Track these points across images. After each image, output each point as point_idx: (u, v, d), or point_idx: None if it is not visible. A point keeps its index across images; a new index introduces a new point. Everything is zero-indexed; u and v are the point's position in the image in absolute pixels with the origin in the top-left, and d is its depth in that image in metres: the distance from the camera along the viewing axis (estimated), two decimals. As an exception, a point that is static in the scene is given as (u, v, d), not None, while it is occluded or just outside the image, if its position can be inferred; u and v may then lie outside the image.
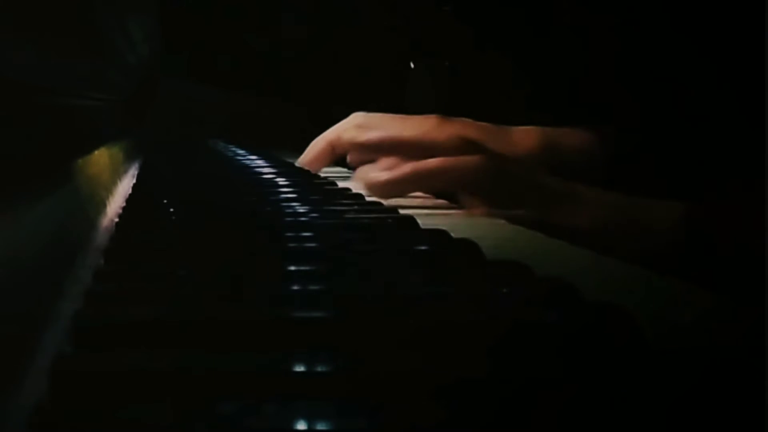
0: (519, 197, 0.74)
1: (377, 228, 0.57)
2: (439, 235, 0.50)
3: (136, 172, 0.94)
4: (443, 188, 0.79)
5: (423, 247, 0.47)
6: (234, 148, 1.41)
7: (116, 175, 0.77)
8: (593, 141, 0.85)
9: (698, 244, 0.71)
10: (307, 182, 0.86)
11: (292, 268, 0.41)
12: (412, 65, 1.32)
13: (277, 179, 0.87)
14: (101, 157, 0.71)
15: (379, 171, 0.80)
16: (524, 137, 0.84)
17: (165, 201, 0.64)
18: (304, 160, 0.96)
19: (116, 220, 0.57)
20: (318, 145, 0.93)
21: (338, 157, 0.92)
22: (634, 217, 0.74)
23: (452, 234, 0.49)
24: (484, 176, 0.73)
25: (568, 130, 0.86)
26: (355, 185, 0.81)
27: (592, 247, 0.56)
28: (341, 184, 0.82)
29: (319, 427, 0.23)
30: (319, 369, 0.27)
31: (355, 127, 0.87)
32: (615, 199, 0.75)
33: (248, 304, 0.35)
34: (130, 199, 0.67)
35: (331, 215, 0.62)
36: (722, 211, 0.72)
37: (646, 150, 0.84)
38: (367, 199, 0.72)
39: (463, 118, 0.85)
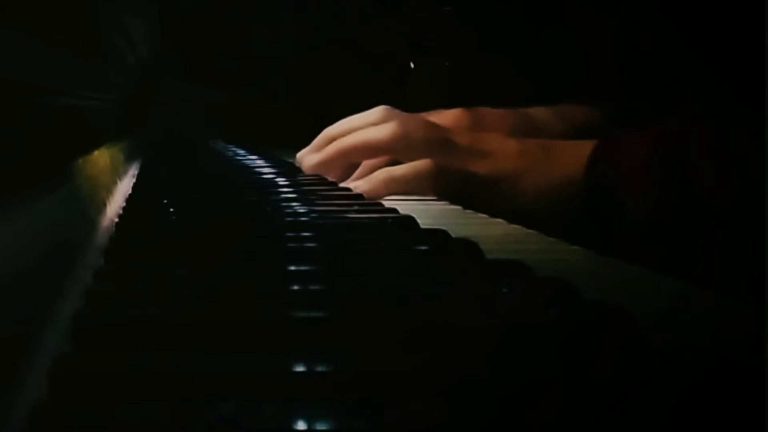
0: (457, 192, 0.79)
1: (377, 228, 0.57)
2: (439, 235, 0.50)
3: (136, 172, 0.94)
4: (370, 158, 0.84)
5: (423, 247, 0.47)
6: (234, 148, 1.41)
7: (116, 175, 0.77)
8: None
9: (595, 177, 0.73)
10: (307, 182, 0.86)
11: (292, 268, 0.41)
12: (412, 65, 1.32)
13: (277, 179, 0.87)
14: (101, 157, 0.71)
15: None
16: (547, 121, 0.86)
17: (165, 201, 0.64)
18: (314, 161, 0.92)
19: (116, 220, 0.57)
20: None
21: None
22: (542, 157, 0.77)
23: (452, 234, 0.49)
24: (396, 139, 0.80)
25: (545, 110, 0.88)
26: (355, 185, 0.81)
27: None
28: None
29: (319, 427, 0.23)
30: (318, 369, 0.27)
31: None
32: (526, 143, 0.79)
33: (248, 304, 0.35)
34: (130, 199, 0.67)
35: (330, 215, 0.62)
36: (627, 146, 0.74)
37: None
38: (367, 199, 0.72)
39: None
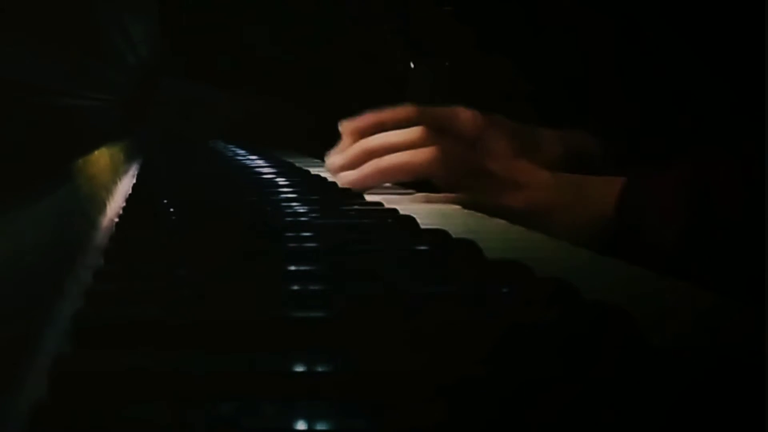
0: (468, 181, 0.81)
1: (377, 228, 0.57)
2: (439, 235, 0.50)
3: (136, 172, 0.94)
4: (406, 180, 0.86)
5: (423, 247, 0.47)
6: (234, 148, 1.41)
7: (116, 175, 0.77)
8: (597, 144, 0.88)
9: (627, 215, 0.74)
10: (306, 182, 0.86)
11: (292, 268, 0.41)
12: (412, 65, 1.32)
13: (277, 179, 0.87)
14: (101, 157, 0.71)
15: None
16: (550, 142, 0.87)
17: (165, 201, 0.64)
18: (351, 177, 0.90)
19: (116, 220, 0.57)
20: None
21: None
22: (571, 187, 0.78)
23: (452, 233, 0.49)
24: (436, 165, 0.81)
25: (582, 136, 0.88)
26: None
27: (544, 229, 0.60)
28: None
29: (319, 427, 0.23)
30: (319, 369, 0.27)
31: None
32: (559, 178, 0.79)
33: (248, 304, 0.35)
34: (130, 199, 0.67)
35: (330, 215, 0.62)
36: (654, 185, 0.75)
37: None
38: (367, 199, 0.72)
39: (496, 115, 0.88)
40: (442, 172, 0.82)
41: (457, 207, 0.76)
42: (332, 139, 0.90)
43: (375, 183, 0.85)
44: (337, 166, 0.88)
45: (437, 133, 0.84)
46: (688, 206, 0.72)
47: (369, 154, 0.85)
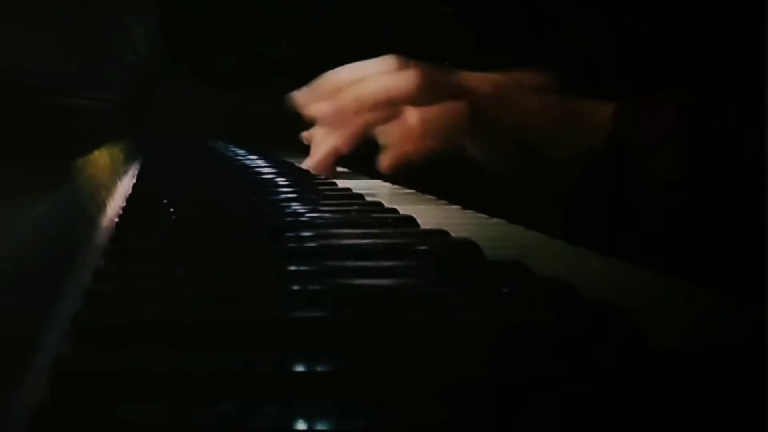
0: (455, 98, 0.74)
1: (377, 227, 0.57)
2: (439, 234, 0.50)
3: (136, 172, 0.94)
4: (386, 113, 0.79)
5: (423, 247, 0.47)
6: (234, 148, 1.41)
7: (116, 175, 0.77)
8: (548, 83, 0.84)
9: (623, 136, 0.71)
10: (306, 182, 0.86)
11: (292, 268, 0.41)
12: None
13: (277, 179, 0.87)
14: (101, 157, 0.71)
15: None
16: (484, 80, 0.83)
17: (165, 201, 0.64)
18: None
19: (116, 220, 0.57)
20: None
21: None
22: (567, 113, 0.74)
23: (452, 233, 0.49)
24: (417, 86, 0.74)
25: (529, 72, 0.84)
26: (355, 184, 0.81)
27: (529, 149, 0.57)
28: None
29: (319, 427, 0.23)
30: (319, 369, 0.27)
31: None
32: (549, 99, 0.76)
33: (248, 304, 0.35)
34: (130, 199, 0.67)
35: (330, 215, 0.62)
36: (651, 107, 0.72)
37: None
38: (367, 199, 0.72)
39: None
40: (427, 94, 0.74)
41: (458, 207, 0.76)
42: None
43: (354, 117, 0.77)
44: (303, 100, 0.81)
45: (410, 60, 0.78)
46: (687, 131, 0.69)
47: (338, 87, 0.78)
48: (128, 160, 0.97)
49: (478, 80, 0.80)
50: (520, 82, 0.82)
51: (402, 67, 0.77)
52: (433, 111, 0.74)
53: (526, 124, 0.75)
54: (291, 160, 1.14)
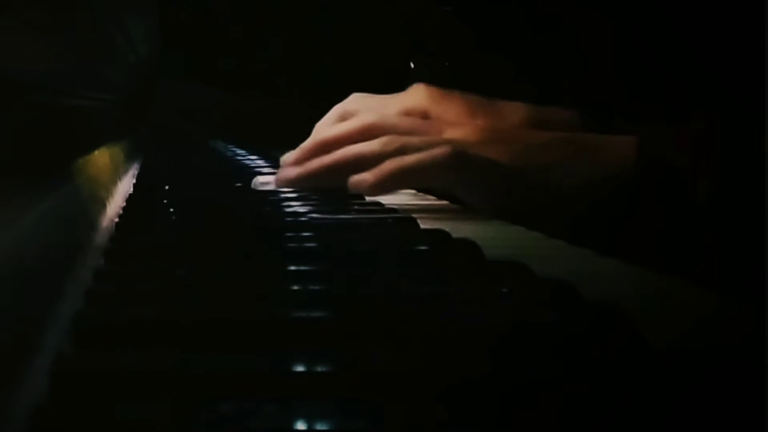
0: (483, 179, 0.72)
1: (377, 228, 0.57)
2: (439, 235, 0.50)
3: (136, 172, 0.94)
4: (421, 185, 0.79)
5: (423, 247, 0.47)
6: (234, 148, 1.41)
7: (116, 175, 0.77)
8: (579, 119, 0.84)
9: (650, 170, 0.71)
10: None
11: (292, 268, 0.41)
12: (412, 65, 1.32)
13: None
14: (101, 157, 0.71)
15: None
16: (512, 112, 0.83)
17: (165, 201, 0.64)
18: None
19: (116, 220, 0.57)
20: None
21: None
22: (578, 147, 0.74)
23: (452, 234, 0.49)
24: (449, 165, 0.71)
25: (557, 108, 0.85)
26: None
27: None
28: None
29: (319, 427, 0.23)
30: (319, 369, 0.27)
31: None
32: (555, 135, 0.75)
33: (248, 304, 0.35)
34: (130, 199, 0.67)
35: (330, 215, 0.62)
36: (675, 139, 0.72)
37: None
38: (367, 199, 0.72)
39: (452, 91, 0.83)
40: (462, 169, 0.71)
41: (458, 207, 0.76)
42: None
43: (394, 188, 0.75)
44: (290, 161, 0.79)
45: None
46: (716, 156, 0.69)
47: (324, 147, 0.77)
48: (128, 160, 0.97)
49: (467, 116, 0.79)
50: (545, 117, 0.82)
51: (380, 126, 0.75)
52: (413, 158, 0.72)
53: (523, 158, 0.74)
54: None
